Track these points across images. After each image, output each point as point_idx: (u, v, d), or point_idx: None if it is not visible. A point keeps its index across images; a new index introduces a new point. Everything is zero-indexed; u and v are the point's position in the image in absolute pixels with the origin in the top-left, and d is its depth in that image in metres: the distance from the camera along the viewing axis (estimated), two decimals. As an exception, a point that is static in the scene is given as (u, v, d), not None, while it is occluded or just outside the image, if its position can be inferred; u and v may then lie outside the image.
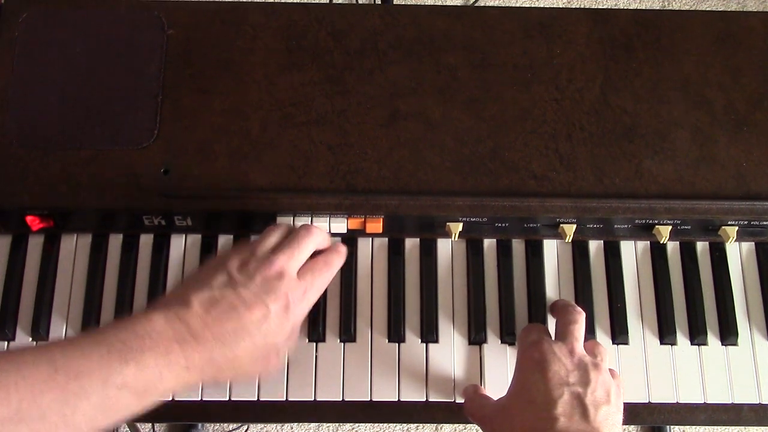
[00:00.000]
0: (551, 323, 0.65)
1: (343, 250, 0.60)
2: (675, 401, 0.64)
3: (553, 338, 0.59)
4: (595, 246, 0.68)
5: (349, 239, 0.67)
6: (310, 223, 0.63)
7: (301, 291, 0.54)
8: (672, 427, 1.43)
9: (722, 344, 0.65)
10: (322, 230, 0.60)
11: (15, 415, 0.41)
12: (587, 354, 0.57)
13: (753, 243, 0.68)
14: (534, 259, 0.67)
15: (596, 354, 0.58)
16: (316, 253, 0.58)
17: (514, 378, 0.57)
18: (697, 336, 0.65)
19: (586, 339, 0.59)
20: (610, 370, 0.58)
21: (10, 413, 0.40)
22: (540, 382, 0.54)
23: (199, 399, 0.62)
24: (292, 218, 0.63)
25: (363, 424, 1.39)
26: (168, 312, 0.49)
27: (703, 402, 0.64)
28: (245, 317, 0.50)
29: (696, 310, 0.66)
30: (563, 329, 0.59)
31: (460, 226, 0.64)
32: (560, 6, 1.67)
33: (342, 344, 0.64)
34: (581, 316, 0.60)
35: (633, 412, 0.63)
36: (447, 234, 0.65)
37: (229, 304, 0.50)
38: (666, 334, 0.65)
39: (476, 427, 0.59)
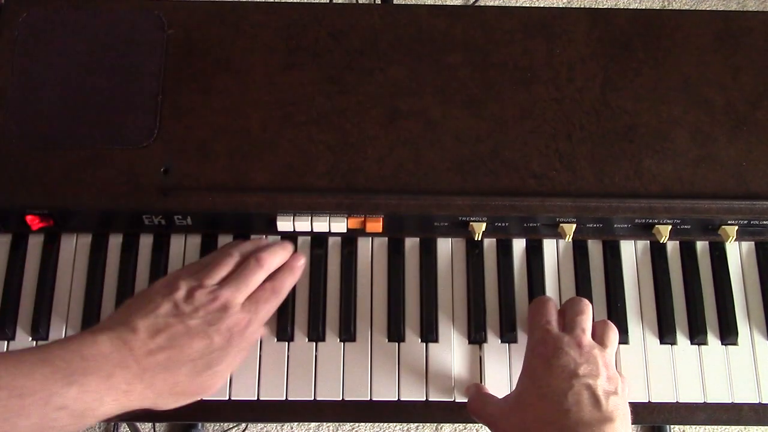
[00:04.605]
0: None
1: (297, 267, 0.63)
2: (675, 401, 0.64)
3: (560, 319, 0.59)
4: (595, 245, 0.68)
5: (349, 239, 0.67)
6: (307, 223, 0.63)
7: (245, 322, 0.57)
8: (672, 426, 1.43)
9: (722, 344, 0.65)
10: (276, 253, 0.61)
11: None
12: (596, 344, 0.57)
13: (753, 242, 0.68)
14: (534, 258, 0.67)
15: (605, 340, 0.58)
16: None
17: (523, 374, 0.57)
18: (697, 335, 0.65)
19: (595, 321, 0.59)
20: None
21: None
22: (549, 376, 0.54)
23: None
24: (292, 217, 0.63)
25: (363, 424, 1.39)
26: (114, 336, 0.51)
27: (703, 401, 0.64)
28: (187, 346, 0.53)
29: (696, 309, 0.66)
30: (570, 321, 0.59)
31: (459, 226, 0.64)
32: (560, 5, 1.67)
33: (342, 344, 0.64)
34: (588, 307, 0.60)
35: (633, 412, 0.62)
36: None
37: (173, 333, 0.53)
38: (666, 334, 0.65)
39: (477, 427, 0.59)
